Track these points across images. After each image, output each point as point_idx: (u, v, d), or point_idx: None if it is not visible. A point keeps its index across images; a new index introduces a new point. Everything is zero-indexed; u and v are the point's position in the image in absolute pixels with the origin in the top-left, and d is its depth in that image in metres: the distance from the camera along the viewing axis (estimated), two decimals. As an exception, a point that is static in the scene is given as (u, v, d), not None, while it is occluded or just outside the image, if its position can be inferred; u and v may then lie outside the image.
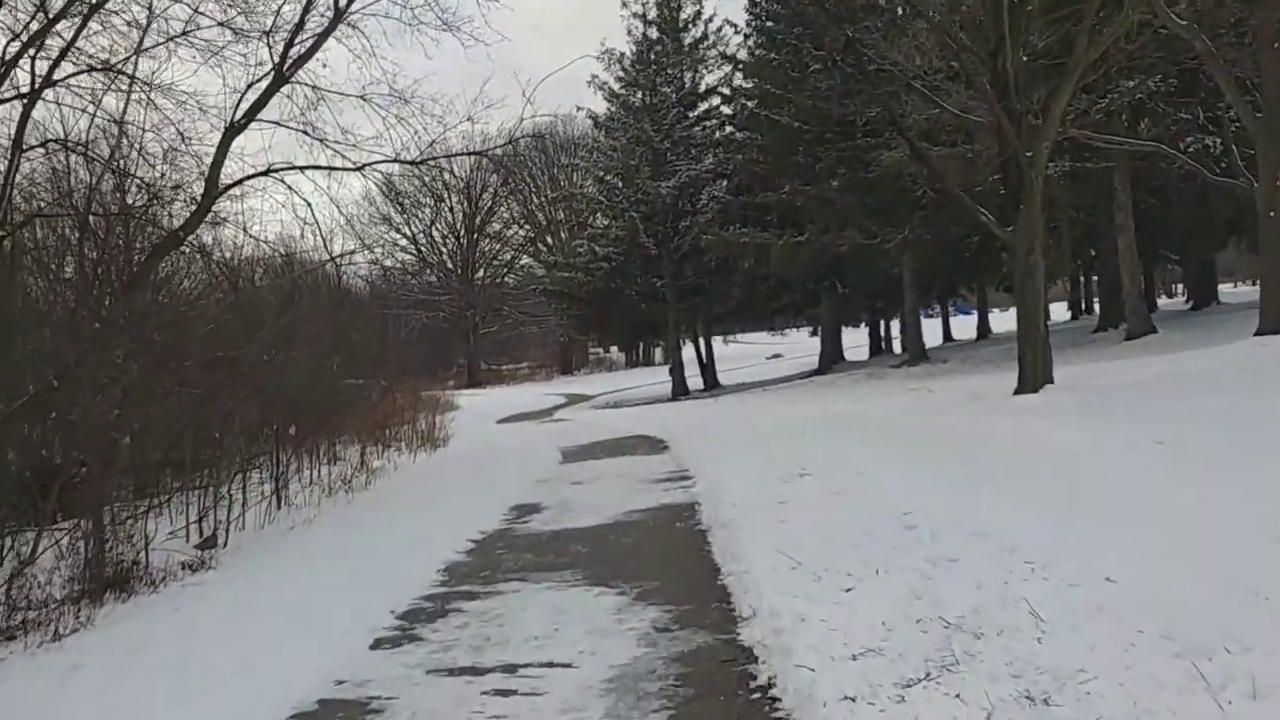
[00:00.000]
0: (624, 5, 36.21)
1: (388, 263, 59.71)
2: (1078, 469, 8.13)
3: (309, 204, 15.65)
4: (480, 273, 66.18)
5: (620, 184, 35.86)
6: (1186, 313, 30.32)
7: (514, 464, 15.74)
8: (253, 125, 15.32)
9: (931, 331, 37.26)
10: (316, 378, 16.72)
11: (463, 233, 65.19)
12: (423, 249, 65.66)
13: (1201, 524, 5.96)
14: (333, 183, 15.90)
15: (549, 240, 59.99)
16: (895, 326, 45.55)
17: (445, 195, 63.31)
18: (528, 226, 64.09)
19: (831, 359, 36.81)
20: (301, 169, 15.64)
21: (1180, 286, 55.37)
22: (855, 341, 41.20)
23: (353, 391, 20.60)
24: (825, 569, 6.17)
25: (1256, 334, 16.11)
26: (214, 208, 16.24)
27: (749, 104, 30.57)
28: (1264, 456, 7.10)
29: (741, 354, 59.28)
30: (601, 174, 37.62)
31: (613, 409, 34.10)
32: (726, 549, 7.32)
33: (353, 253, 16.74)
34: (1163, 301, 43.82)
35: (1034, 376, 13.13)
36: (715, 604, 6.11)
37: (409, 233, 64.42)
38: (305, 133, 15.40)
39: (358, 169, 15.73)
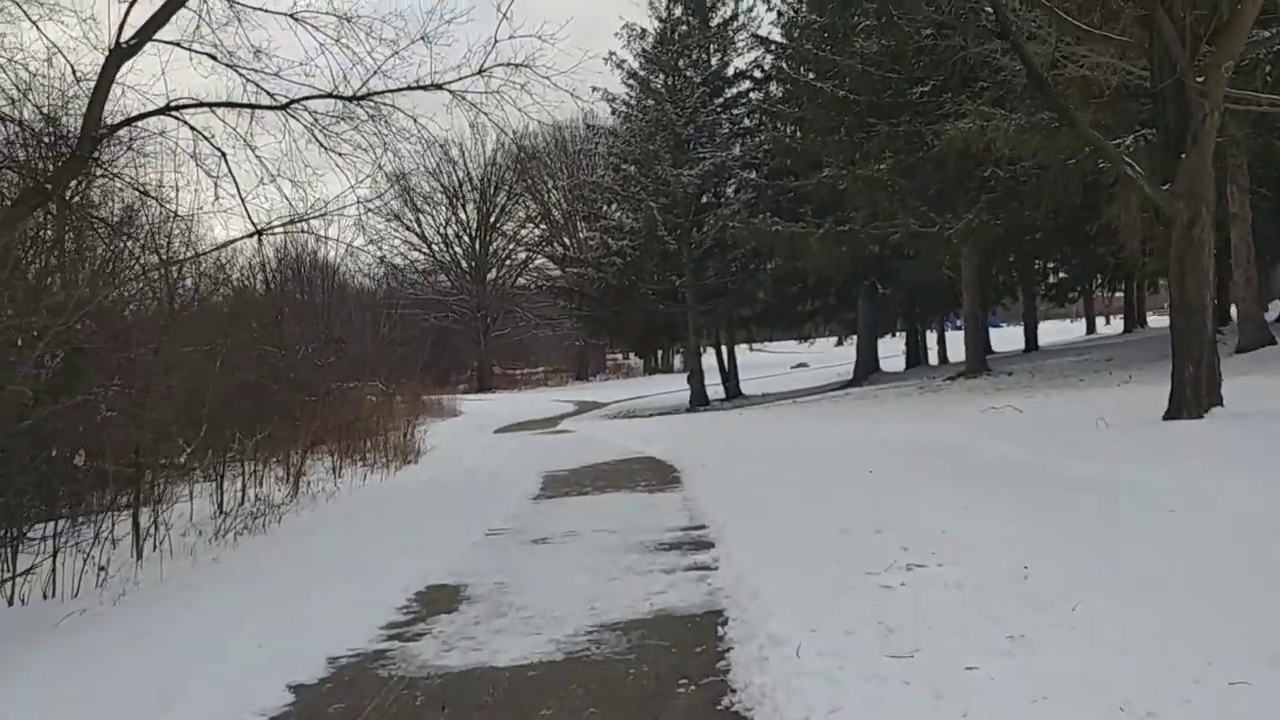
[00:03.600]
0: (646, -22, 32.72)
1: (397, 261, 57.01)
2: None
3: (223, 154, 12.04)
4: (493, 273, 63.62)
5: (637, 172, 32.23)
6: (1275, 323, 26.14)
7: (475, 497, 11.97)
8: (149, 49, 11.84)
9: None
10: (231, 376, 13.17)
11: (476, 231, 63.15)
12: (435, 248, 62.92)
13: None
14: (254, 126, 12.20)
15: (565, 240, 56.69)
16: (932, 338, 41.82)
17: (459, 192, 60.72)
18: (543, 225, 61.08)
19: (868, 369, 33.18)
20: (211, 106, 12.14)
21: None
22: (887, 351, 37.39)
23: (295, 395, 16.95)
24: None
25: None
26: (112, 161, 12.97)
27: (785, 69, 26.83)
28: None
29: (764, 363, 55.56)
30: (618, 161, 33.96)
31: (624, 419, 30.73)
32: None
33: (290, 222, 12.83)
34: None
35: (1196, 396, 9.29)
36: None
37: (420, 231, 61.73)
38: (214, 57, 11.91)
39: (281, 107, 12.21)
